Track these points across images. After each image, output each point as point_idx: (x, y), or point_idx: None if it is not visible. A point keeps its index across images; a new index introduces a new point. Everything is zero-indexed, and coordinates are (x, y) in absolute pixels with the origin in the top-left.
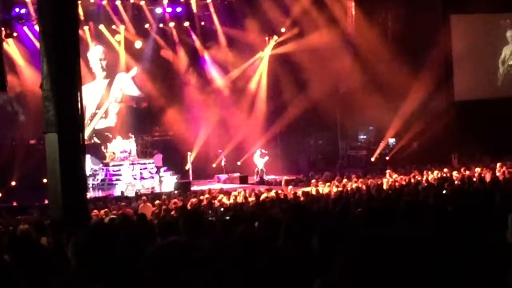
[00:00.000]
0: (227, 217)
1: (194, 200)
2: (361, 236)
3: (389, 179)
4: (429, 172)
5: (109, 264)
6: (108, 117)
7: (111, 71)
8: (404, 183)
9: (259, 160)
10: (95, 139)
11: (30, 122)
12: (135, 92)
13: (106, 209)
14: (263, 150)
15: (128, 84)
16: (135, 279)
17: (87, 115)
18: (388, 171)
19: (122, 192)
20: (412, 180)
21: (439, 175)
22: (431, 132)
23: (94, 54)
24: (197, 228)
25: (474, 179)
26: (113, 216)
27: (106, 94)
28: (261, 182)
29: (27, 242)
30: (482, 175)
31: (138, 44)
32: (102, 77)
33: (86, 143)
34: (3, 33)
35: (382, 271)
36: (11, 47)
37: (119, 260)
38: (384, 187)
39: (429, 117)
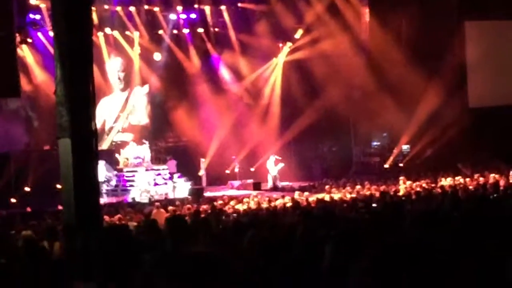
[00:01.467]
0: (239, 223)
1: (206, 206)
2: (376, 245)
3: (403, 186)
4: (443, 179)
5: (123, 266)
6: (126, 133)
7: (129, 83)
8: (418, 189)
9: (273, 167)
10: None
11: (44, 128)
12: (144, 119)
13: (119, 215)
14: (277, 157)
15: (140, 105)
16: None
17: (106, 128)
18: (401, 178)
19: (133, 199)
20: (426, 187)
21: (453, 182)
22: (445, 138)
23: (113, 66)
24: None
25: (488, 186)
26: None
27: (123, 107)
28: (275, 188)
29: (33, 247)
30: (497, 182)
31: (157, 56)
32: (119, 90)
33: (101, 149)
34: (18, 39)
35: (398, 279)
36: (25, 52)
37: (131, 262)
38: (401, 193)
39: (443, 123)
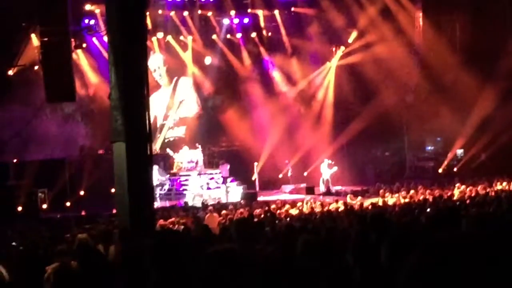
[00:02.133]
0: (292, 227)
1: (259, 210)
2: (428, 242)
3: (457, 191)
4: (498, 184)
5: (179, 270)
6: (177, 127)
7: (173, 77)
8: (473, 194)
9: (326, 171)
10: (168, 150)
11: (98, 132)
12: (193, 109)
13: (173, 219)
14: (330, 161)
15: (187, 97)
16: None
17: (157, 126)
18: (457, 184)
19: (185, 203)
20: (481, 192)
21: (508, 187)
22: (499, 143)
23: (154, 62)
24: (249, 237)
25: None
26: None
27: (171, 101)
28: (328, 192)
29: (89, 249)
30: None
31: (207, 60)
32: (165, 85)
33: (155, 153)
34: (73, 44)
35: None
36: (79, 57)
37: (183, 266)
38: (455, 198)
39: (498, 128)
